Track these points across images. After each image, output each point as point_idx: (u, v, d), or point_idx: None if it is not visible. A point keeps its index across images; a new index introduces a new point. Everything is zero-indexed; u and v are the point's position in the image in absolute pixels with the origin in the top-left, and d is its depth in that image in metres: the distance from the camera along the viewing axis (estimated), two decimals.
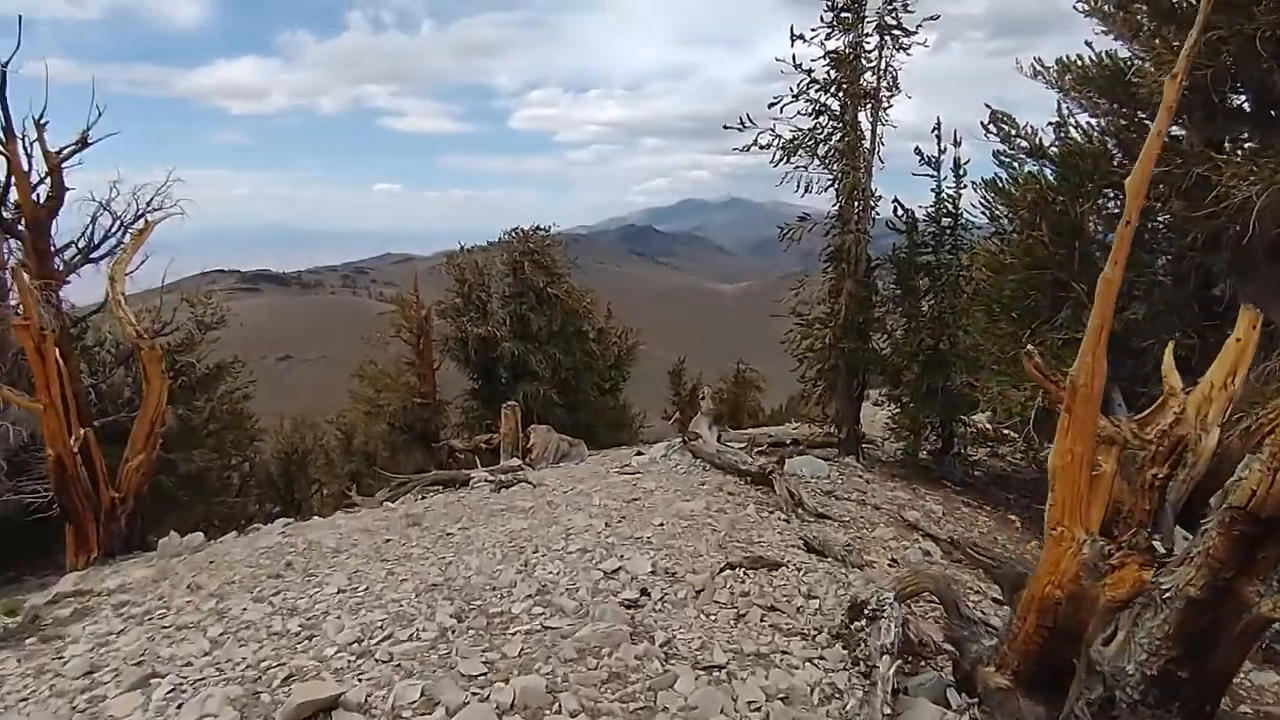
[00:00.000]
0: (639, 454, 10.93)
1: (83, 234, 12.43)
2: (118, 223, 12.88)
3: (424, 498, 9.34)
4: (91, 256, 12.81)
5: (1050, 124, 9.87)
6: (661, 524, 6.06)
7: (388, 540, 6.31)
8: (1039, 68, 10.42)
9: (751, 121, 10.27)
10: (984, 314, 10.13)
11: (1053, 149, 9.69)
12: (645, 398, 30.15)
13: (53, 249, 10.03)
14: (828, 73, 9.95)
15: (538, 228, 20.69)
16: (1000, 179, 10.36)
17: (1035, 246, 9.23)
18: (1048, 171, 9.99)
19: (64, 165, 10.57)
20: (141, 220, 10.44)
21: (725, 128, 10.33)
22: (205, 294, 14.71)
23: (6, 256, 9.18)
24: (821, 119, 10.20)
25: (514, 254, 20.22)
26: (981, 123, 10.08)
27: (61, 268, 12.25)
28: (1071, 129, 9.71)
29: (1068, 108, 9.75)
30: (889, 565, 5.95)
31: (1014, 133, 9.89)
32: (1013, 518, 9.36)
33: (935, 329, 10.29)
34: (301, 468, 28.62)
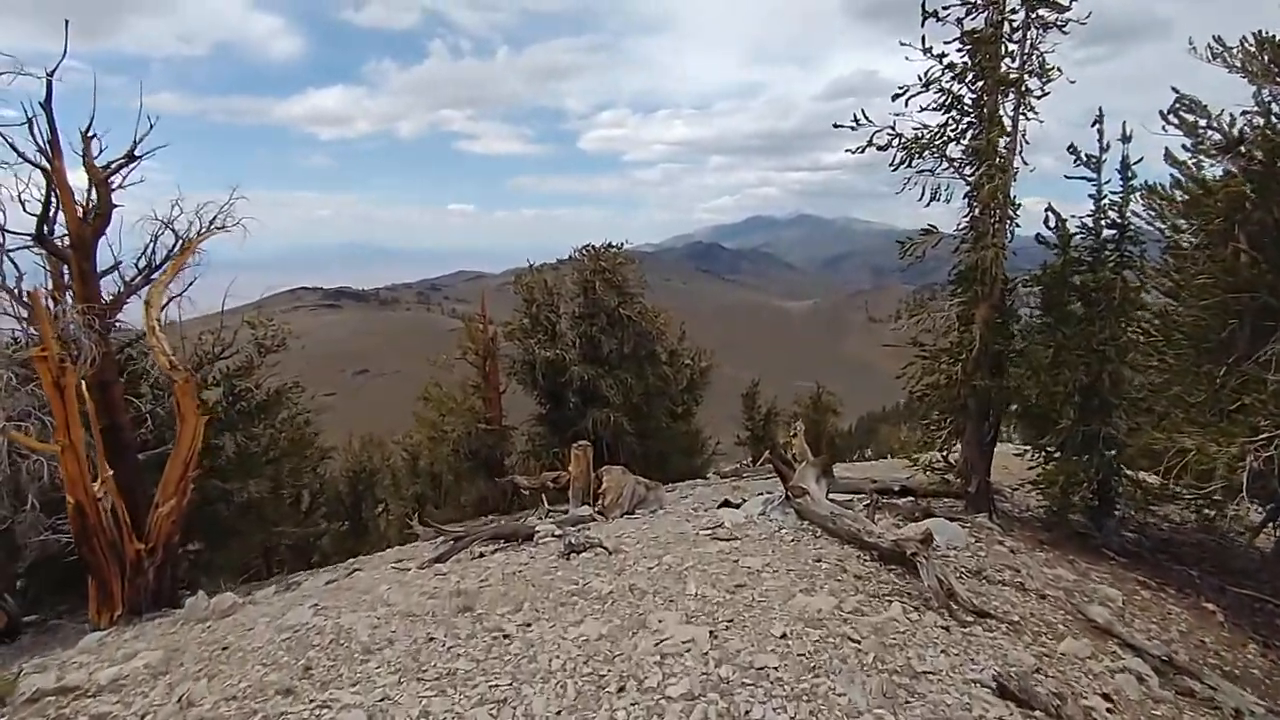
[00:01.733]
0: (728, 503, 9.41)
1: (143, 253, 11.76)
2: (180, 242, 12.22)
3: (482, 554, 8.04)
4: (152, 277, 12.15)
5: (1244, 112, 8.00)
6: (785, 636, 4.53)
7: (430, 639, 4.95)
8: (1217, 48, 8.55)
9: (867, 119, 8.71)
10: (1164, 346, 8.27)
11: (1251, 145, 7.80)
12: (715, 419, 28.56)
13: (97, 270, 9.18)
14: (964, 59, 8.32)
15: (610, 245, 19.44)
16: (1181, 180, 8.52)
17: (1235, 265, 7.36)
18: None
19: (114, 183, 9.85)
20: (182, 242, 9.52)
21: (836, 126, 8.82)
22: (266, 315, 13.87)
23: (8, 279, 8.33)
24: (954, 113, 8.57)
25: (585, 273, 19.01)
26: (1161, 112, 8.26)
27: (122, 289, 11.59)
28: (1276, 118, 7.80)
29: (1271, 94, 7.85)
30: (1107, 710, 4.26)
31: (1204, 123, 8.04)
32: (1209, 606, 7.44)
33: (1092, 363, 8.47)
34: (369, 487, 28.16)
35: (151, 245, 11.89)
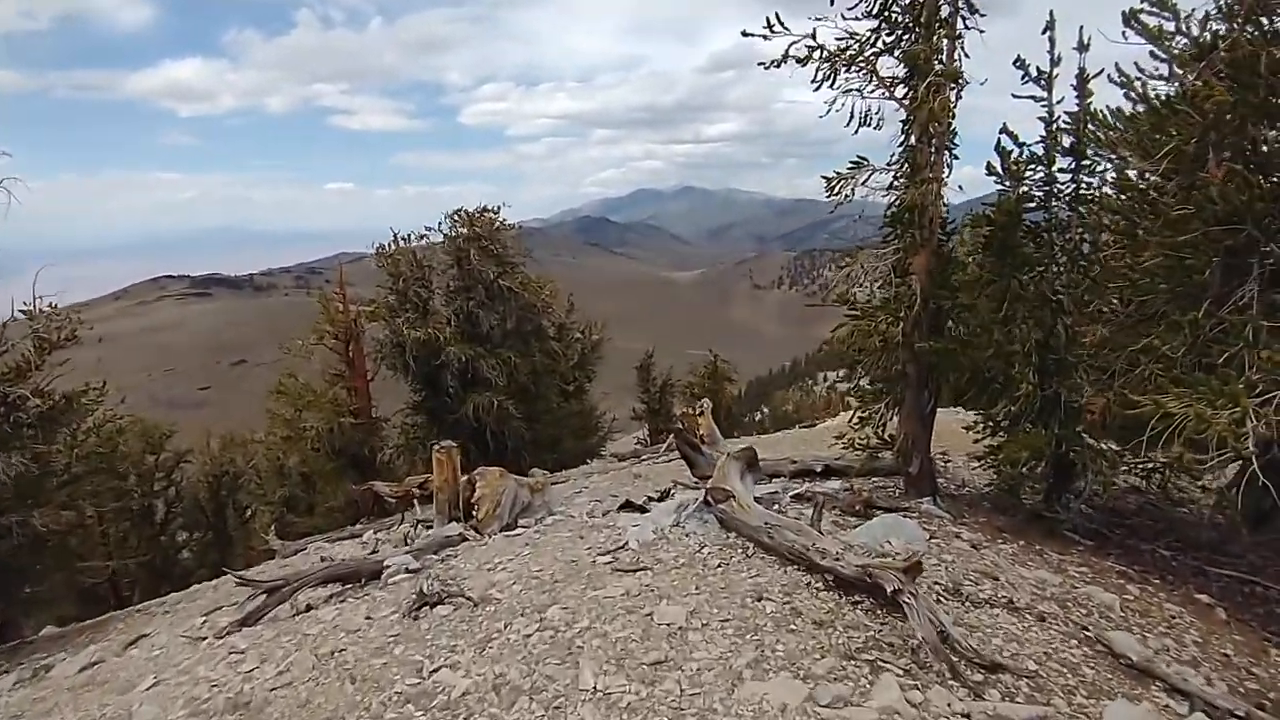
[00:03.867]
0: (630, 504, 7.68)
1: None
2: None
3: (309, 608, 5.97)
4: None
5: (1216, 9, 6.77)
6: None
7: None
8: None
9: (782, 24, 6.99)
10: (1128, 292, 7.07)
11: (1226, 51, 6.58)
12: (609, 393, 26.95)
13: None
14: None
15: (485, 209, 17.19)
16: (1133, 99, 7.28)
17: (1225, 191, 6.13)
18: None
19: None
20: None
21: (745, 34, 7.06)
22: (51, 304, 10.95)
23: None
24: (885, 18, 6.98)
25: (458, 241, 16.73)
26: (1123, 12, 6.93)
27: None
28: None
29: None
30: None
31: (1172, 26, 6.77)
32: (1203, 598, 6.31)
33: (1045, 317, 7.19)
34: (233, 492, 24.91)
35: None
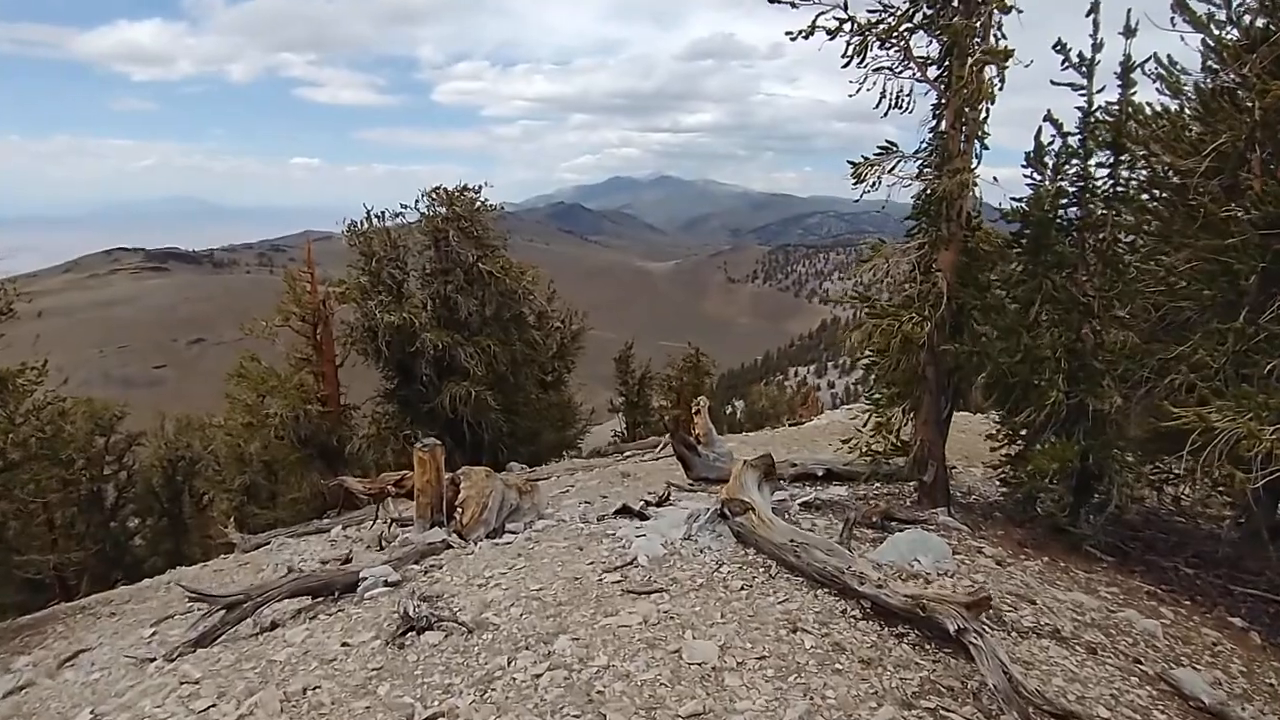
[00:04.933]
0: (628, 511, 7.11)
1: None
2: None
3: (275, 625, 5.31)
4: None
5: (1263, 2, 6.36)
6: None
7: None
8: None
9: None
10: (1163, 297, 6.66)
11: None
12: (584, 384, 26.39)
13: None
14: None
15: (466, 188, 16.41)
16: (1174, 92, 6.85)
17: (1262, 196, 5.72)
18: None
19: None
20: None
21: (772, 1, 6.48)
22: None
23: None
24: None
25: (436, 221, 15.93)
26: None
27: None
28: None
29: None
30: None
31: (1224, 13, 6.33)
32: (1235, 621, 5.95)
33: (1073, 320, 6.76)
34: (189, 478, 23.87)
35: None
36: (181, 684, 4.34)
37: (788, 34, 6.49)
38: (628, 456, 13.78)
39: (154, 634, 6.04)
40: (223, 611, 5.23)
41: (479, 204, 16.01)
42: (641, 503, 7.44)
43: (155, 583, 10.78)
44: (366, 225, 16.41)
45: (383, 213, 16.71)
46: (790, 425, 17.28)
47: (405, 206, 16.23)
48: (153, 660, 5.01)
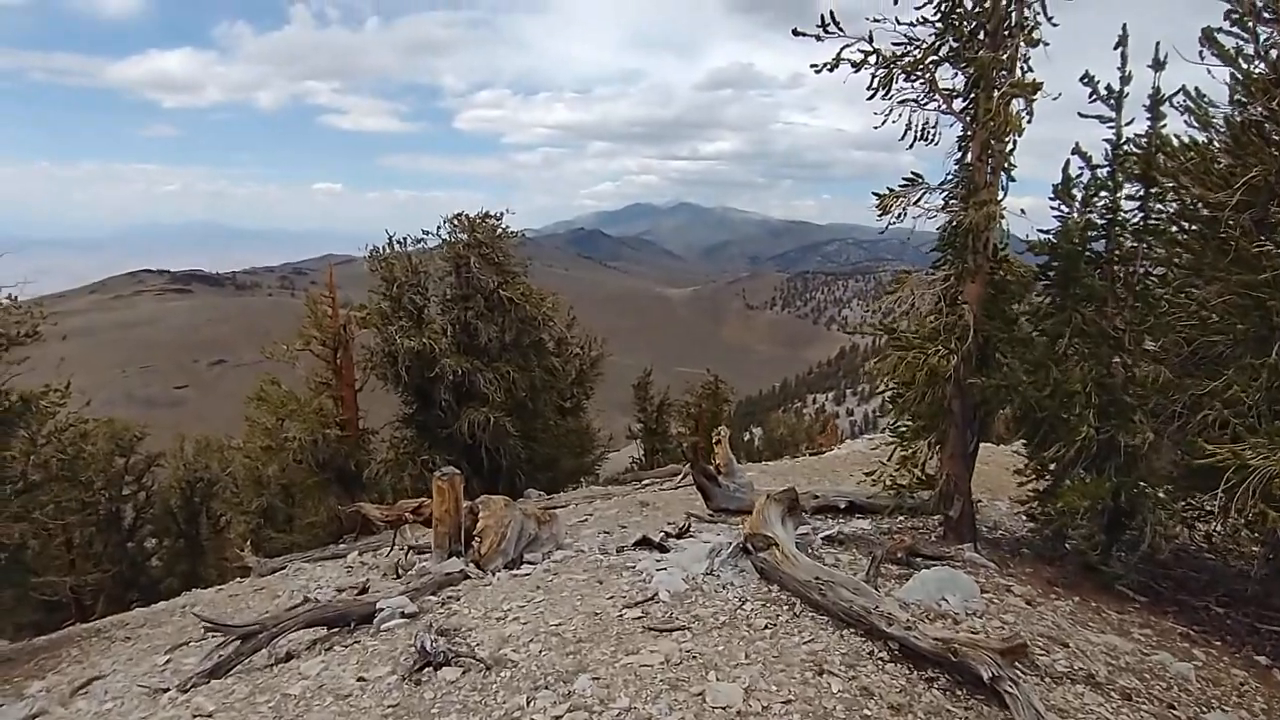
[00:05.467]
0: (648, 542, 7.01)
1: None
2: None
3: (290, 655, 5.24)
4: None
5: None
6: None
7: None
8: None
9: (837, 26, 6.43)
10: (1195, 331, 6.52)
11: None
12: (602, 410, 26.30)
13: None
14: None
15: (487, 215, 16.52)
16: (1202, 124, 6.76)
17: None
18: None
19: None
20: None
21: (796, 33, 6.50)
22: (10, 296, 10.19)
23: None
24: (951, 20, 6.42)
25: (457, 247, 16.03)
26: (1202, 31, 6.39)
27: None
28: None
29: None
30: None
31: (1252, 48, 6.26)
32: (1261, 660, 5.77)
33: (1102, 354, 6.64)
34: (206, 499, 23.91)
35: None
36: (195, 717, 4.29)
37: (812, 66, 6.50)
38: (646, 485, 13.67)
39: (168, 661, 6.01)
40: (238, 642, 5.18)
41: (500, 231, 16.10)
42: (661, 534, 7.33)
43: (171, 606, 10.76)
44: (388, 250, 16.54)
45: (405, 238, 16.86)
46: (810, 454, 17.09)
47: (427, 233, 16.35)
48: (166, 690, 4.96)
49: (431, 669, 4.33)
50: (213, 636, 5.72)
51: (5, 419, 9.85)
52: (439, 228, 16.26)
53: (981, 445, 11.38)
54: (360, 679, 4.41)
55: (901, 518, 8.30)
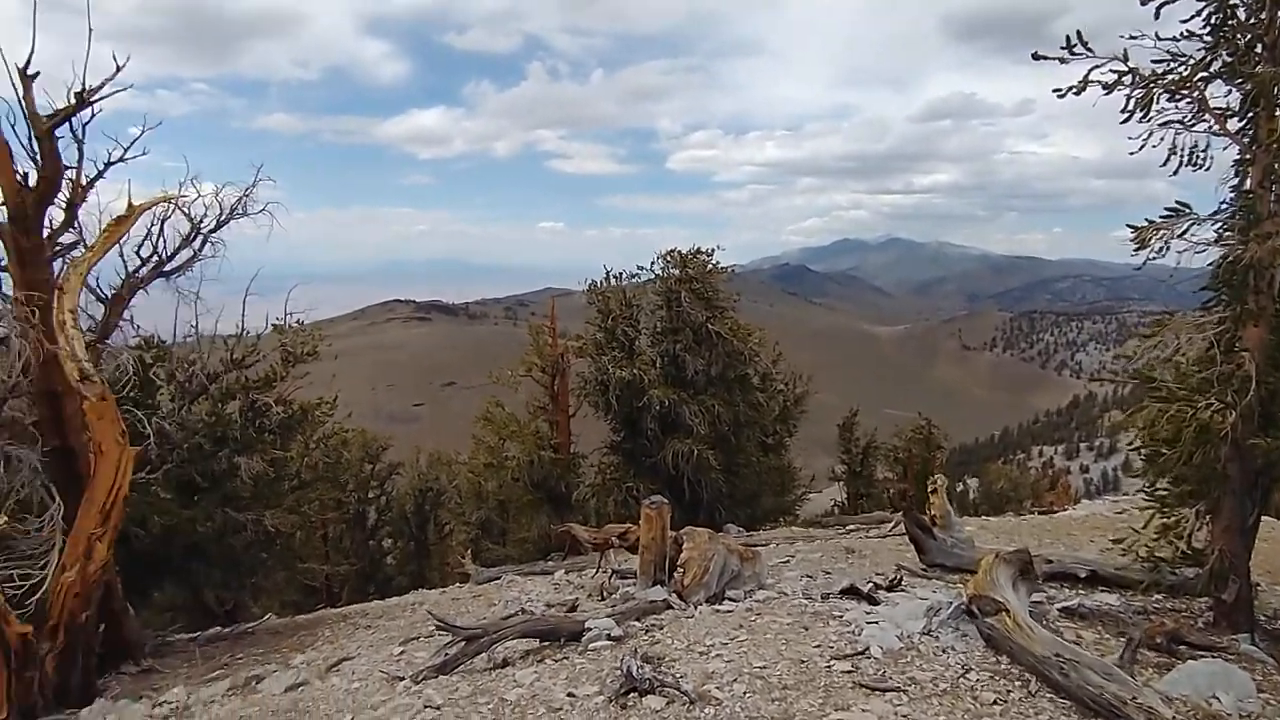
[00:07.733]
0: (856, 591, 6.67)
1: (145, 238, 10.05)
2: (196, 230, 10.48)
3: (506, 662, 5.58)
4: (164, 270, 10.43)
5: None
6: None
7: None
8: None
9: (1085, 46, 5.90)
10: None
11: None
12: (804, 449, 25.57)
13: (47, 249, 7.27)
14: None
15: (699, 250, 16.91)
16: None
17: None
18: None
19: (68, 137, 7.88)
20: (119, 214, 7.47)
21: (1036, 57, 6.05)
22: (299, 320, 11.97)
23: None
24: (1224, 32, 5.67)
25: (669, 282, 16.54)
26: None
27: (122, 283, 9.93)
28: None
29: None
30: None
31: None
32: None
33: None
34: (435, 508, 26.28)
35: (158, 231, 10.19)
36: (425, 707, 4.68)
37: (1055, 91, 5.99)
38: (850, 530, 13.10)
39: (402, 652, 6.62)
40: (463, 643, 5.60)
41: (711, 266, 16.40)
42: (870, 584, 6.96)
43: (403, 602, 11.87)
44: (605, 284, 17.43)
45: (620, 273, 17.70)
46: (1038, 513, 15.48)
47: (641, 268, 17.04)
48: (401, 679, 5.47)
49: (637, 694, 4.40)
50: (441, 635, 6.26)
51: (288, 424, 11.54)
52: (652, 263, 16.90)
53: (1263, 519, 9.73)
54: (570, 694, 4.58)
55: (1159, 596, 7.27)
